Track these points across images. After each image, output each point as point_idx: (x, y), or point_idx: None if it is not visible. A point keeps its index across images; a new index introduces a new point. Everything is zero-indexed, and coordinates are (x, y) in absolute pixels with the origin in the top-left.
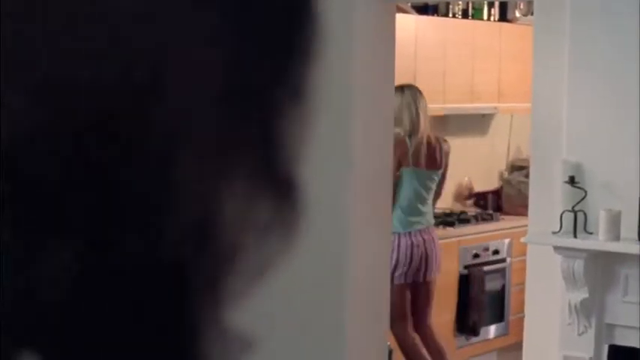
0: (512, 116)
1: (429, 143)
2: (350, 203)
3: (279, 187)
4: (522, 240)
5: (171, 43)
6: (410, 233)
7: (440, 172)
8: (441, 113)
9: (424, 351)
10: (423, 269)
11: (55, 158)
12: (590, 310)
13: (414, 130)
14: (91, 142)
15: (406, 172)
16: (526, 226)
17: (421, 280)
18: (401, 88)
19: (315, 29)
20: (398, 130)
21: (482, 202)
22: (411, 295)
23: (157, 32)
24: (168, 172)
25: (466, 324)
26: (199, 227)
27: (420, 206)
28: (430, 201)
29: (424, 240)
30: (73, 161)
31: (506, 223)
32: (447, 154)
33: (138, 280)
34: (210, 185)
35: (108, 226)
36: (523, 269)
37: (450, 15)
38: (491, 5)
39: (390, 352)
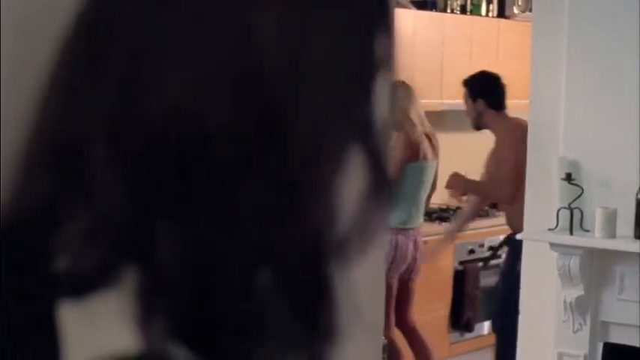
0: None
1: (427, 135)
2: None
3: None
4: (518, 236)
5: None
6: (409, 230)
7: (436, 162)
8: (438, 109)
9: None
10: (412, 267)
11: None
12: (585, 307)
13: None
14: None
15: (411, 168)
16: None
17: (406, 277)
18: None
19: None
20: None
21: None
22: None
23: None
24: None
25: (460, 320)
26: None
27: (419, 204)
28: (424, 200)
29: (416, 239)
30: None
31: (502, 219)
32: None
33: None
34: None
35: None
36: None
37: (449, 10)
38: (489, 1)
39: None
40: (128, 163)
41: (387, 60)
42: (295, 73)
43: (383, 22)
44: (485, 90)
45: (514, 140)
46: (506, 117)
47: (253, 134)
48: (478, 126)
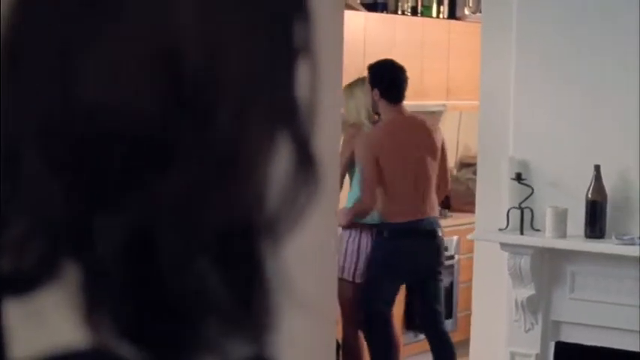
0: (460, 114)
1: None
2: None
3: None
4: (469, 237)
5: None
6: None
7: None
8: None
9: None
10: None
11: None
12: (536, 306)
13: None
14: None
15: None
16: (474, 223)
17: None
18: (350, 88)
19: None
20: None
21: None
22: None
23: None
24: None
25: (414, 320)
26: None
27: None
28: None
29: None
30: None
31: (454, 220)
32: None
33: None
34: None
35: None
36: (471, 266)
37: (399, 12)
38: (440, 3)
39: (338, 348)
40: (58, 158)
41: (307, 44)
42: (215, 58)
43: (301, 6)
44: (382, 80)
45: (366, 142)
46: (400, 111)
47: (179, 119)
48: (374, 111)
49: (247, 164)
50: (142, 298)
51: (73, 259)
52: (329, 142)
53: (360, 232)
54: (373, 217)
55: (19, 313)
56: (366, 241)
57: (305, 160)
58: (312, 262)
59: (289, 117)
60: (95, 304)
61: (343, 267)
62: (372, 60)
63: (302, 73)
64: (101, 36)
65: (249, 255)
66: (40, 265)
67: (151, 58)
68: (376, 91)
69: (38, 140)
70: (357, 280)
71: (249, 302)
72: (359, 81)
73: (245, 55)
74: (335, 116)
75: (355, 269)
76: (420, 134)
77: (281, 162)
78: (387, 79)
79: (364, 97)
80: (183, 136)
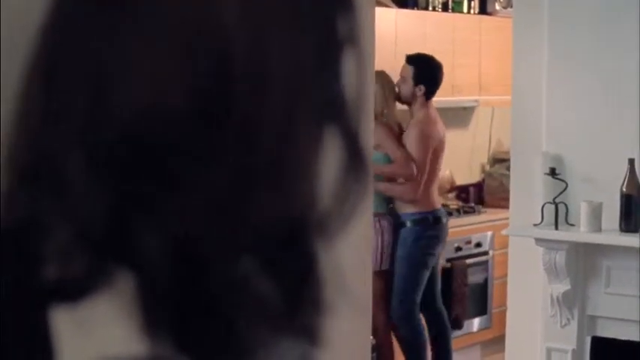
0: (493, 109)
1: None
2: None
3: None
4: (503, 232)
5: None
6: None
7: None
8: None
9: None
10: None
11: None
12: (572, 302)
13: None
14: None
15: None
16: (508, 218)
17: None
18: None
19: None
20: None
21: (464, 195)
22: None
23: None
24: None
25: (449, 317)
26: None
27: None
28: None
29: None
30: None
31: (488, 215)
32: None
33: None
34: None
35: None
36: (506, 262)
37: (430, 8)
38: None
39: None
40: (102, 168)
41: (351, 35)
42: (261, 55)
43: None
44: (431, 78)
45: (423, 132)
46: (431, 105)
47: (226, 120)
48: (403, 101)
49: (297, 162)
50: (194, 306)
51: (125, 267)
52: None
53: (379, 220)
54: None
55: (68, 321)
56: (384, 227)
57: (355, 155)
58: (353, 257)
59: (337, 111)
60: (151, 313)
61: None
62: (404, 56)
63: (348, 66)
64: (144, 39)
65: (303, 254)
66: (88, 274)
67: (197, 59)
68: (422, 87)
69: (82, 148)
70: (384, 268)
71: (301, 301)
72: (377, 73)
73: (291, 51)
74: (369, 112)
75: (381, 258)
76: (441, 129)
77: (332, 158)
78: (436, 77)
79: (380, 90)
80: (230, 139)
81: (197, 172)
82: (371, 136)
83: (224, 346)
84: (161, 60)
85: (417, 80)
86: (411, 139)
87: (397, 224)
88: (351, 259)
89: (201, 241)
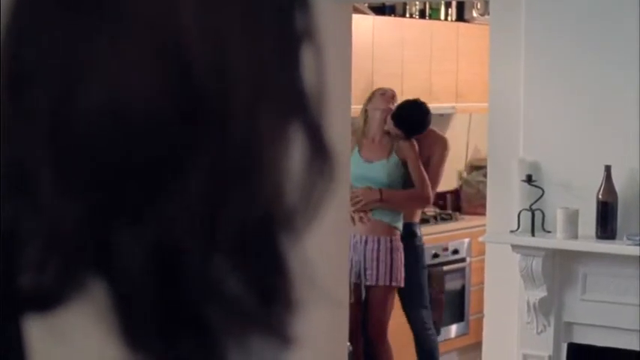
0: (470, 116)
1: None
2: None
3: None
4: (480, 239)
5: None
6: None
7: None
8: None
9: None
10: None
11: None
12: (548, 308)
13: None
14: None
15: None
16: (485, 225)
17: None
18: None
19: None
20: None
21: (441, 202)
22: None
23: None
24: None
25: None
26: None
27: None
28: None
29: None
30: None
31: (465, 222)
32: None
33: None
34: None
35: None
36: (482, 269)
37: (408, 15)
38: (448, 5)
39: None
40: (72, 174)
41: (309, 29)
42: (220, 53)
43: None
44: (408, 127)
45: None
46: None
47: (190, 123)
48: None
49: (263, 159)
50: (170, 312)
51: (98, 275)
52: (340, 135)
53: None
54: (391, 219)
55: (41, 330)
56: (382, 244)
57: (318, 149)
58: (327, 253)
59: (299, 106)
60: (126, 321)
61: (377, 275)
62: (381, 63)
63: (307, 60)
64: (106, 41)
65: (271, 250)
66: (60, 282)
67: (155, 60)
68: (400, 131)
69: (51, 156)
70: (394, 284)
71: (272, 298)
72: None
73: (249, 47)
74: (345, 112)
75: (399, 275)
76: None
77: (295, 154)
78: (414, 127)
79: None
80: (196, 139)
81: (170, 176)
82: (334, 130)
83: (199, 349)
84: (126, 60)
85: (396, 125)
86: (436, 160)
87: (406, 234)
88: (323, 254)
89: (176, 244)
